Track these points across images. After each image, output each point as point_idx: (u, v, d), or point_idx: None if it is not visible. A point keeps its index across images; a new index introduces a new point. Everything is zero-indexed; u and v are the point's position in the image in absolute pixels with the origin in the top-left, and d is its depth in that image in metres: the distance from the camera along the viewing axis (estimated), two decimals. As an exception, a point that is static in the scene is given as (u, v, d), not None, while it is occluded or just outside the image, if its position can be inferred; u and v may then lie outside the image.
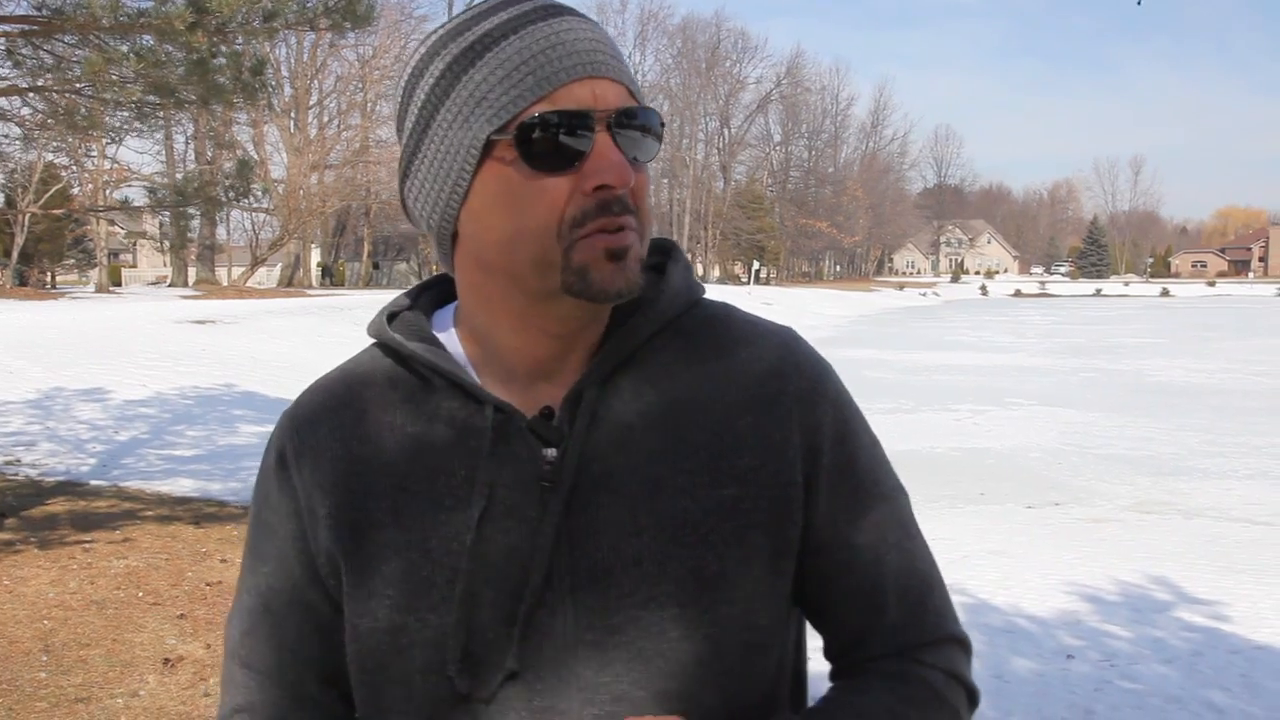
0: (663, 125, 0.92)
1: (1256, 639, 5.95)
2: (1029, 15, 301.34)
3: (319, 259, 52.57)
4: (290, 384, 14.68)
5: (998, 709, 4.61)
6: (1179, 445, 14.10)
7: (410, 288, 1.05)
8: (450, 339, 0.97)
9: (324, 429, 0.96)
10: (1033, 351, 30.77)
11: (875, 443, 1.02)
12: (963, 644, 1.02)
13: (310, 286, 43.50)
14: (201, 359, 15.79)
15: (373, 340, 1.00)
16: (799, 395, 0.96)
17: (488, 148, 0.88)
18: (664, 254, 1.01)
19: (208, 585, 5.58)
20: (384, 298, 33.25)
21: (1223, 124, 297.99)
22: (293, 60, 45.29)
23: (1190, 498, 10.89)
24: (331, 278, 50.18)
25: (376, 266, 56.20)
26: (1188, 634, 6.04)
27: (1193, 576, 7.38)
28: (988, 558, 7.31)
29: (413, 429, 0.93)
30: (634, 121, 0.88)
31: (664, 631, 0.88)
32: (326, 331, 22.57)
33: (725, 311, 1.00)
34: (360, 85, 47.90)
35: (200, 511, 7.46)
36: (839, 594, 0.98)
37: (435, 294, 1.04)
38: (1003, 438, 14.37)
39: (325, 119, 48.11)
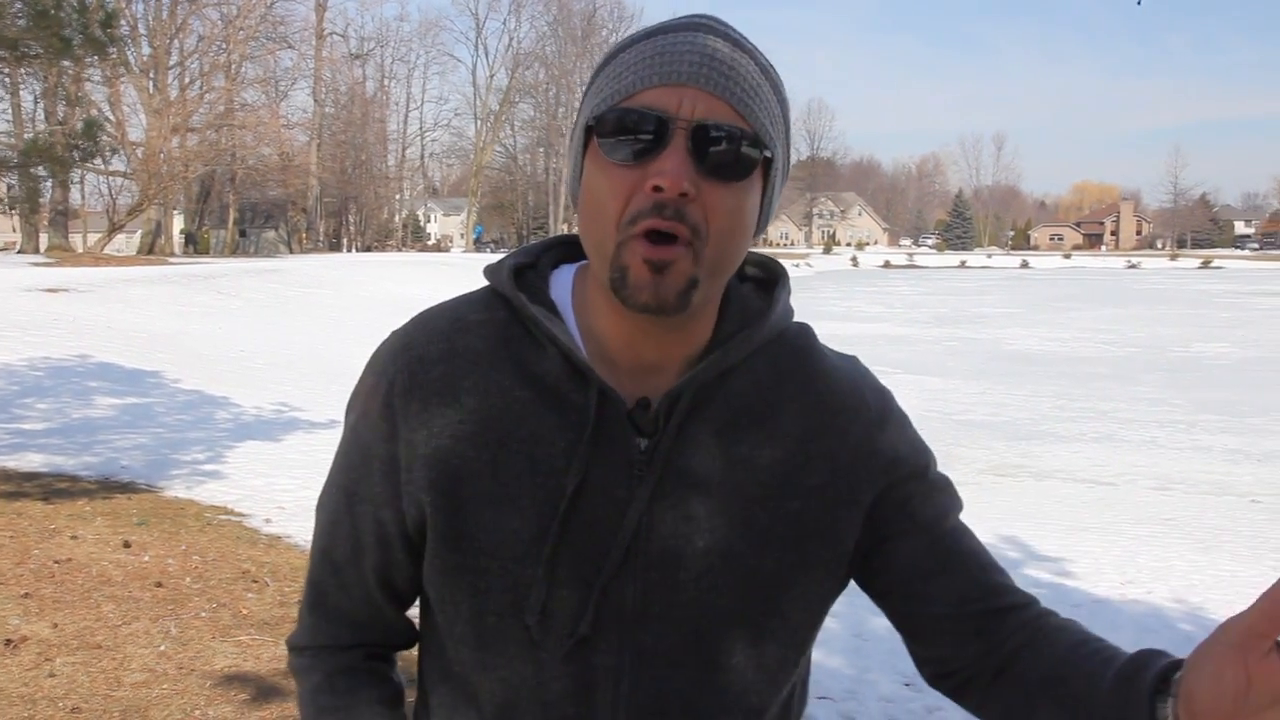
0: (765, 150, 0.95)
1: (1096, 593, 6.28)
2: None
3: (182, 226, 50.61)
4: (151, 354, 14.16)
5: (856, 666, 4.77)
6: (1033, 410, 14.73)
7: (536, 242, 1.11)
8: (565, 306, 1.04)
9: (436, 372, 1.01)
10: (899, 321, 31.65)
11: (926, 450, 1.14)
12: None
13: (173, 254, 41.88)
14: (53, 329, 15.07)
15: (489, 285, 1.06)
16: (868, 423, 1.07)
17: (589, 134, 0.96)
18: (774, 275, 1.10)
19: (56, 563, 5.37)
20: (253, 266, 32.40)
21: (1080, 102, 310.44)
22: (151, 17, 43.33)
23: (1042, 460, 11.41)
24: (195, 245, 48.40)
25: (243, 234, 54.44)
26: (1035, 589, 6.23)
27: (1042, 535, 7.74)
28: (850, 521, 7.54)
29: (521, 392, 1.00)
30: (714, 137, 0.91)
31: (720, 616, 1.00)
32: (190, 301, 21.79)
33: (805, 340, 1.09)
34: (224, 46, 46.13)
35: (50, 487, 7.16)
36: (950, 566, 1.07)
37: (557, 254, 1.10)
38: (869, 405, 14.76)
39: (187, 80, 46.10)
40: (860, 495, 1.05)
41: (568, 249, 1.10)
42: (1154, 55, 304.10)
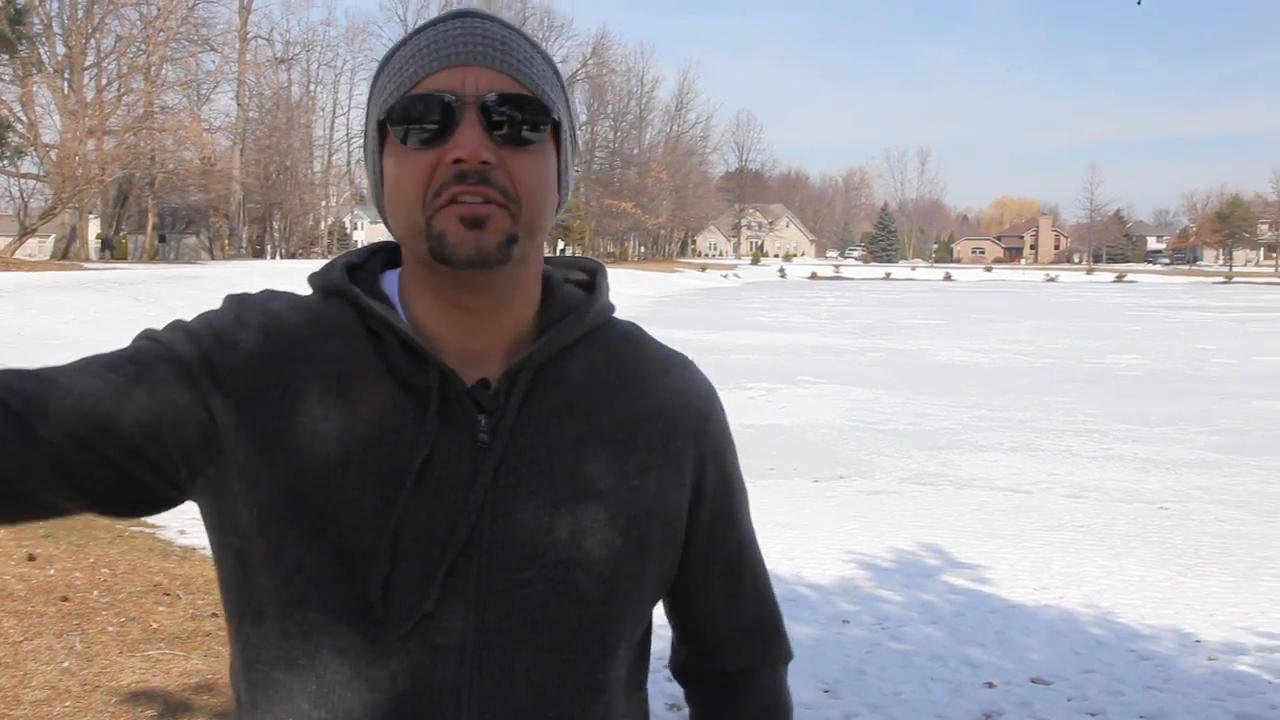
0: (547, 111, 1.00)
1: (1012, 598, 6.40)
2: (832, 6, 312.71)
3: (99, 231, 49.31)
4: (64, 362, 13.74)
5: (775, 673, 4.79)
6: (953, 420, 14.98)
7: (362, 246, 1.13)
8: (395, 300, 1.06)
9: (297, 352, 1.00)
10: (825, 332, 32.01)
11: (736, 456, 1.20)
12: (788, 651, 1.26)
13: (88, 260, 40.80)
14: (-41, 335, 14.60)
15: (321, 288, 1.05)
16: (697, 414, 1.12)
17: (383, 133, 1.00)
18: (592, 273, 1.15)
19: (-43, 577, 5.19)
20: (172, 273, 31.68)
21: (1001, 119, 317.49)
22: (66, 16, 42.24)
23: (961, 469, 11.60)
24: (113, 251, 47.19)
25: (163, 240, 53.23)
26: (952, 596, 6.44)
27: (960, 542, 7.88)
28: (774, 530, 7.58)
29: (372, 373, 1.00)
30: (505, 106, 0.97)
31: (567, 590, 1.00)
32: (106, 308, 21.24)
33: (636, 330, 1.16)
34: (144, 47, 45.10)
35: (-48, 499, 6.91)
36: (705, 589, 1.17)
37: (382, 259, 1.11)
38: (794, 415, 14.91)
39: (104, 81, 44.96)
40: (686, 479, 1.10)
41: (392, 254, 1.11)
42: (1071, 74, 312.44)
